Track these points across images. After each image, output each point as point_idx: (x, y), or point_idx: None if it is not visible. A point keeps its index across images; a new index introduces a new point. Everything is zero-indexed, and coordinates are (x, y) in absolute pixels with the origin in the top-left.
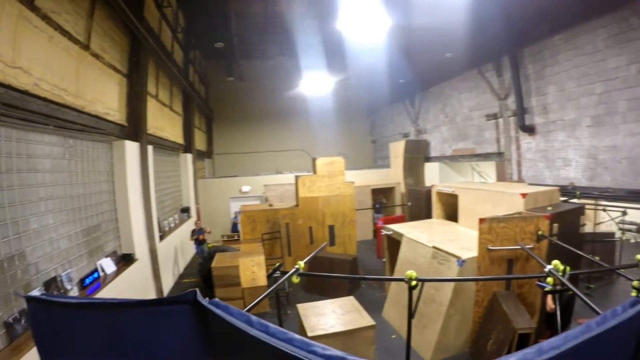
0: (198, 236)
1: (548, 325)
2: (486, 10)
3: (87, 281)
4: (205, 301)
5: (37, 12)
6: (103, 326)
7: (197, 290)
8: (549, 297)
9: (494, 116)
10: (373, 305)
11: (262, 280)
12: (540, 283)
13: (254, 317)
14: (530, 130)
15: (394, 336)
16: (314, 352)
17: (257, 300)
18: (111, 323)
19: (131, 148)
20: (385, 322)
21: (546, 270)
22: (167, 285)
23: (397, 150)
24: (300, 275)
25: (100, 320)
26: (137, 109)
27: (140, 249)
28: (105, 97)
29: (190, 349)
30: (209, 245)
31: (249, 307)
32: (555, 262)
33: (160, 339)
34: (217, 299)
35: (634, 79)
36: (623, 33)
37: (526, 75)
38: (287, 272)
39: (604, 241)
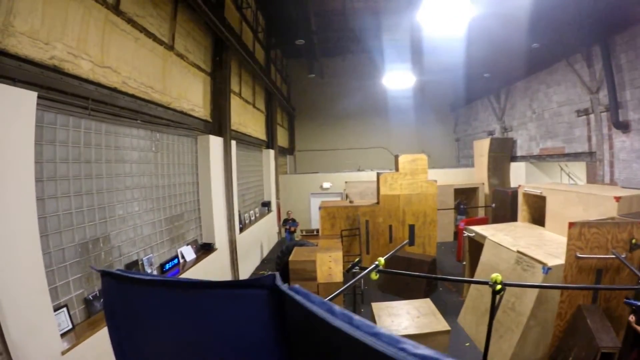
0: (290, 227)
1: (635, 345)
2: None
3: (167, 266)
4: (284, 286)
5: (122, 15)
6: (174, 306)
7: (277, 274)
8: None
9: (585, 112)
10: (449, 309)
11: (339, 277)
12: (629, 300)
13: (336, 307)
14: (624, 127)
15: (467, 344)
16: (404, 350)
17: (335, 293)
18: (183, 303)
19: (215, 142)
20: (460, 328)
21: None
22: (244, 275)
23: (481, 148)
24: (379, 272)
25: (172, 300)
26: (220, 105)
27: (220, 239)
28: (190, 94)
29: (265, 336)
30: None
31: (325, 299)
32: None
33: (233, 323)
34: (297, 285)
35: None
36: None
37: (619, 66)
38: (366, 268)
39: None
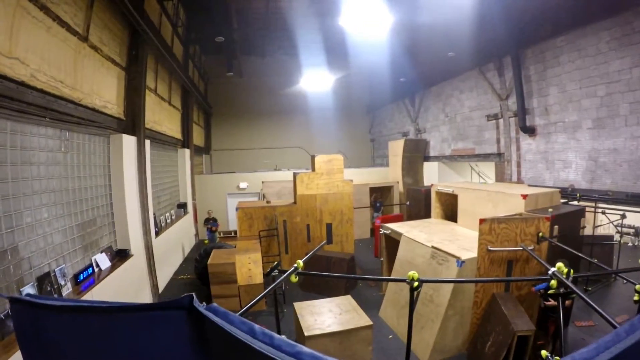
0: (211, 227)
1: (542, 327)
2: (489, 9)
3: (82, 277)
4: (202, 307)
5: (35, 2)
6: (90, 331)
7: (194, 294)
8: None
9: (495, 117)
10: (370, 305)
11: (259, 278)
12: (537, 287)
13: (257, 327)
14: (530, 131)
15: (390, 336)
16: None
17: (254, 301)
18: (99, 328)
19: (128, 142)
20: (383, 322)
21: (550, 272)
22: (163, 281)
23: (396, 149)
24: (298, 274)
25: (87, 325)
26: (135, 102)
27: (136, 245)
28: (103, 90)
29: (186, 358)
30: (206, 241)
31: (246, 307)
32: (560, 264)
33: (152, 347)
34: (215, 304)
35: (637, 82)
36: (627, 36)
37: (528, 76)
38: (286, 270)
39: (603, 244)
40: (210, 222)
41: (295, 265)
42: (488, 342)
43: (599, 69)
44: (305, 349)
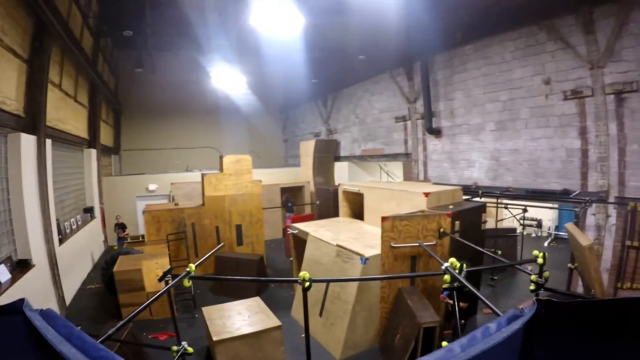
0: (119, 233)
1: (452, 316)
2: (400, 16)
3: None
4: (33, 312)
5: None
6: None
7: (26, 299)
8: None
9: (403, 118)
10: (283, 305)
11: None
12: (443, 293)
13: (76, 331)
14: (437, 132)
15: (303, 335)
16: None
17: (138, 310)
18: None
19: (27, 142)
20: (295, 321)
21: (443, 267)
22: (70, 292)
23: (307, 149)
24: (191, 278)
25: None
26: (36, 98)
27: (38, 254)
28: (1, 84)
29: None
30: (115, 247)
31: (134, 313)
32: (452, 259)
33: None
34: (51, 309)
35: (537, 89)
36: (530, 47)
37: (435, 81)
38: (179, 275)
39: (507, 236)
40: (118, 227)
41: (188, 269)
42: (397, 335)
43: (503, 76)
44: (109, 353)
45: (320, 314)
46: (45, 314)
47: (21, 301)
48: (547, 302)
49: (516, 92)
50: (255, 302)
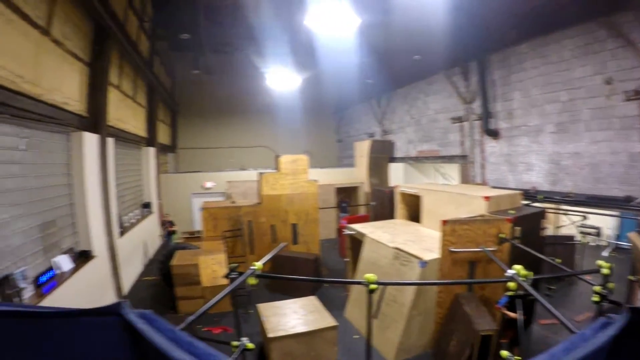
0: (168, 227)
1: (509, 326)
2: (456, 15)
3: (43, 279)
4: (132, 314)
5: None
6: (25, 337)
7: (124, 301)
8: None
9: (459, 119)
10: (335, 305)
11: (224, 279)
12: (500, 303)
13: (184, 337)
14: (494, 134)
15: (356, 336)
16: None
17: (211, 303)
18: (34, 333)
19: (90, 140)
20: (348, 322)
21: (509, 274)
22: (128, 283)
23: (362, 149)
24: (257, 277)
25: (22, 330)
26: (98, 99)
27: (99, 246)
28: (65, 86)
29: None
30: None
31: (204, 308)
32: (518, 267)
33: (88, 352)
34: (149, 311)
35: (598, 89)
36: (589, 45)
37: (492, 81)
38: (244, 272)
39: (565, 244)
40: (166, 223)
41: (254, 267)
42: (452, 341)
43: (562, 75)
44: (222, 357)
45: (376, 316)
46: (146, 317)
47: (118, 304)
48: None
49: (576, 92)
50: (311, 301)
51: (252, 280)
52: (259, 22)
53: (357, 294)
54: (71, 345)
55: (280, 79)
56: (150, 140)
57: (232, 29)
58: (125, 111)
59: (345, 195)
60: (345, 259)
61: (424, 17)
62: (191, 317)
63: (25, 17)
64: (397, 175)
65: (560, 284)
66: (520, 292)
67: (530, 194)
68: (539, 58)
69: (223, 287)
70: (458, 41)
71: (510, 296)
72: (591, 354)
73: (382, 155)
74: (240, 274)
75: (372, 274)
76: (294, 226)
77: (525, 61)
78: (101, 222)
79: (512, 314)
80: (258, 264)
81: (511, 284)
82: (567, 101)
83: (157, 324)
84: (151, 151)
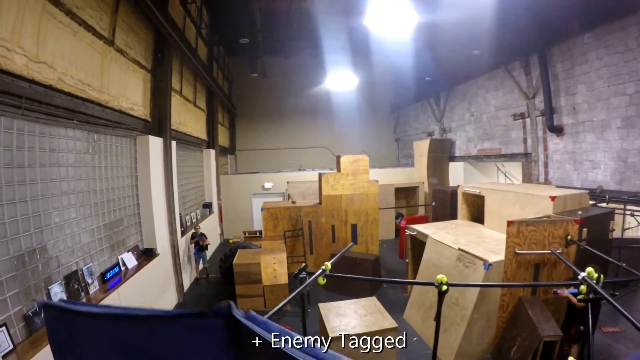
0: (198, 241)
1: (575, 322)
2: (514, 7)
3: (108, 275)
4: (241, 316)
5: (61, 7)
6: (123, 339)
7: (232, 303)
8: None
9: (521, 116)
10: (395, 306)
11: (284, 278)
12: (556, 291)
13: (294, 335)
14: (558, 130)
15: (415, 339)
16: None
17: (282, 303)
18: (132, 336)
19: (155, 143)
20: (407, 324)
21: (580, 277)
22: (188, 280)
23: (421, 149)
24: (326, 276)
25: (120, 333)
26: (161, 104)
27: (162, 244)
28: (129, 92)
29: None
30: (230, 240)
31: (273, 310)
32: (590, 269)
33: (190, 356)
34: (253, 313)
35: None
36: None
37: (555, 74)
38: (313, 272)
39: (632, 247)
40: (196, 237)
41: (324, 267)
42: (514, 347)
43: (628, 66)
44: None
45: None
46: (253, 319)
47: (227, 306)
48: None
49: None
50: (372, 302)
51: (322, 281)
52: (314, 23)
53: (417, 295)
54: (176, 349)
55: (337, 78)
56: (211, 143)
57: (287, 32)
58: (187, 115)
59: (404, 195)
60: (405, 260)
61: (481, 11)
62: (270, 311)
63: (89, 28)
64: (457, 175)
65: (624, 290)
66: (590, 297)
67: (596, 194)
68: (602, 48)
69: (283, 286)
70: (517, 34)
71: (581, 299)
72: None
73: (442, 154)
74: (310, 274)
75: (443, 275)
76: (354, 226)
77: (589, 52)
78: (164, 221)
79: (577, 302)
80: (328, 264)
81: (582, 287)
82: (634, 93)
83: (268, 326)
84: (212, 153)
